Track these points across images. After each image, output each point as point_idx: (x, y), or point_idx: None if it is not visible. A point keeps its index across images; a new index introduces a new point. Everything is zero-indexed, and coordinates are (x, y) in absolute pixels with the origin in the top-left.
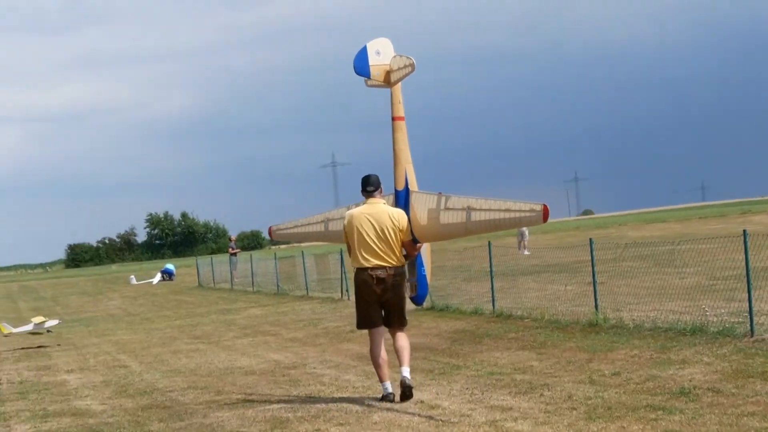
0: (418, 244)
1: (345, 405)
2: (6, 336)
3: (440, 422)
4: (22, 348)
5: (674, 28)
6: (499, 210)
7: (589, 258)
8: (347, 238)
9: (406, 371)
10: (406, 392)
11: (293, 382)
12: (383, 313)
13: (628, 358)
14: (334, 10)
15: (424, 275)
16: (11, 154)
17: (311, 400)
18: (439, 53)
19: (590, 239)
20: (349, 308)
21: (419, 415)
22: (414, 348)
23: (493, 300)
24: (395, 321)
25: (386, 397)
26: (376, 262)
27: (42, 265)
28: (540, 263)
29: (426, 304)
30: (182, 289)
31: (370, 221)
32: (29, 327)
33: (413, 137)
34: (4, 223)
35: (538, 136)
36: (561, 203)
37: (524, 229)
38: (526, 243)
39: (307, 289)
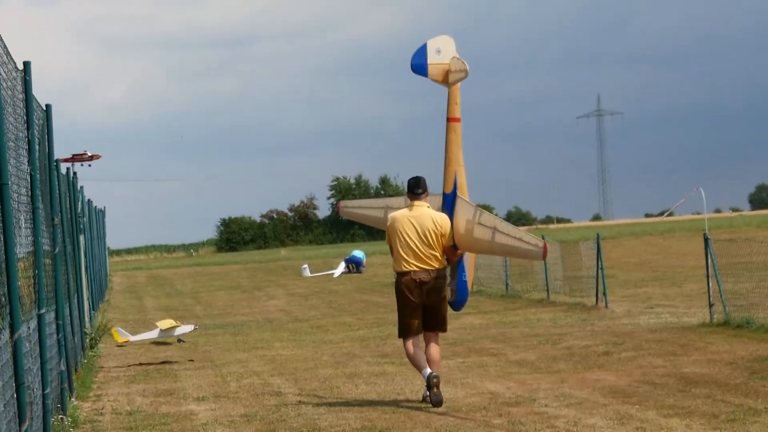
0: (459, 251)
1: None
2: (120, 346)
3: None
4: (140, 364)
5: None
6: (515, 237)
7: None
8: (390, 240)
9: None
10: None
11: (513, 426)
12: (423, 316)
13: None
14: None
15: (465, 281)
16: (145, 93)
17: None
18: None
19: None
20: (605, 319)
21: None
22: (693, 381)
23: None
24: (434, 324)
25: (429, 380)
26: (418, 265)
27: (185, 247)
28: None
29: (718, 316)
30: (373, 286)
31: (412, 224)
32: (153, 334)
33: None
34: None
35: None
36: None
37: None
38: None
39: (547, 290)
